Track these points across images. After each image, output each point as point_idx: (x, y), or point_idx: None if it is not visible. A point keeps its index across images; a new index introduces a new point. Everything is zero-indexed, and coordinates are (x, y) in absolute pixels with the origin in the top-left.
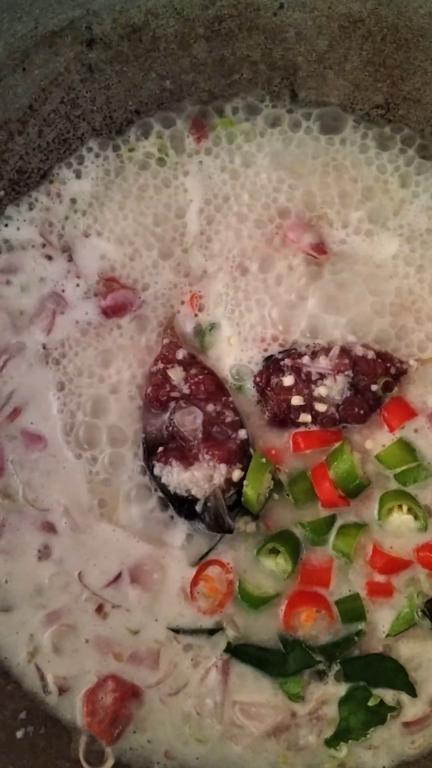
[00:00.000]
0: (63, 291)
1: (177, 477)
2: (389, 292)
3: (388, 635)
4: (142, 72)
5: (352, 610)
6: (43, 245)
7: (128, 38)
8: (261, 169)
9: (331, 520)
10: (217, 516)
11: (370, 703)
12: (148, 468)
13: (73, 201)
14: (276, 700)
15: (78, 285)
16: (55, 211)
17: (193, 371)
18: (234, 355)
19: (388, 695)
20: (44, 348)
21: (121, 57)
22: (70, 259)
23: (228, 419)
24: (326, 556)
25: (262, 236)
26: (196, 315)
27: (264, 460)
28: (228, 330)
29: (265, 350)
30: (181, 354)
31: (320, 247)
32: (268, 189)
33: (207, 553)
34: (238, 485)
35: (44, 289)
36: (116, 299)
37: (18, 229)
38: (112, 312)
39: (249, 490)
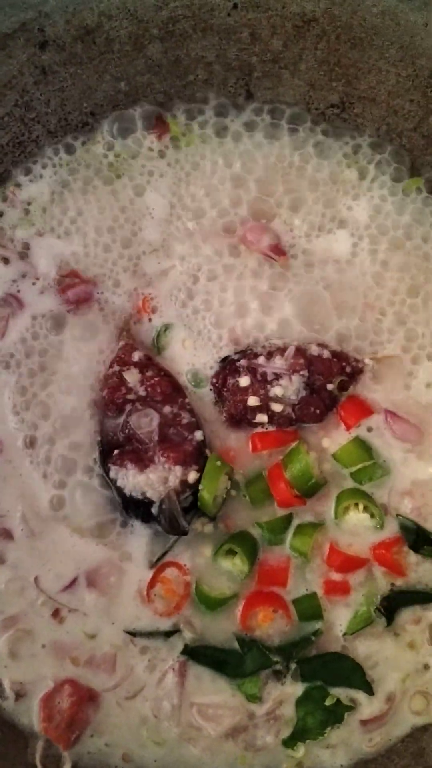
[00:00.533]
0: (18, 292)
1: (132, 480)
2: (347, 290)
3: (345, 634)
4: (96, 74)
5: (310, 609)
6: None
7: (82, 40)
8: (217, 170)
9: (288, 519)
10: (171, 518)
11: (327, 703)
12: (104, 471)
13: (29, 203)
14: (233, 701)
15: (34, 284)
16: (9, 214)
17: (149, 373)
18: (188, 358)
19: (345, 694)
20: None
21: (74, 59)
22: (23, 258)
23: (184, 421)
24: (283, 556)
25: (219, 237)
26: (150, 320)
27: (219, 462)
28: (182, 332)
29: (220, 352)
30: (136, 356)
31: (278, 249)
32: (224, 191)
33: (163, 555)
34: (194, 487)
35: None
36: (78, 294)
37: None
38: (75, 306)
39: (205, 494)
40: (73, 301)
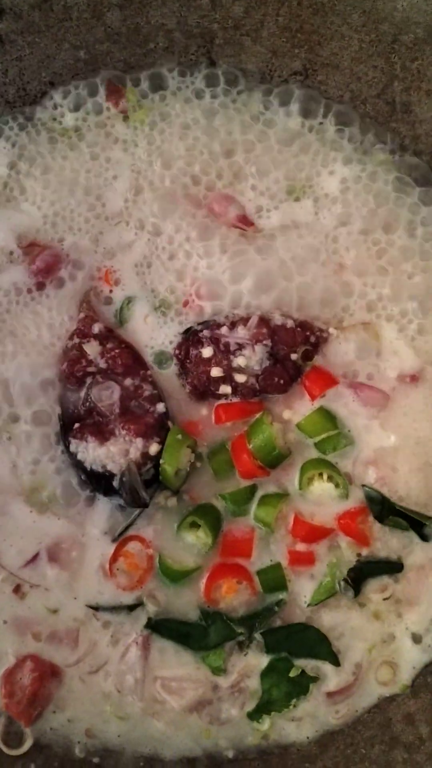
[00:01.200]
0: None
1: (93, 453)
2: (310, 259)
3: (309, 604)
4: (54, 42)
5: (274, 579)
6: None
7: (39, 8)
8: (178, 140)
9: (252, 490)
10: (132, 490)
11: (292, 674)
12: (65, 445)
13: None
14: (198, 674)
15: None
16: None
17: (109, 345)
18: (149, 333)
19: (310, 666)
20: None
21: (32, 27)
22: None
23: (146, 393)
24: (247, 527)
25: (184, 208)
26: (111, 290)
27: (180, 436)
28: (144, 308)
29: (182, 326)
30: (96, 328)
31: (245, 219)
32: (186, 161)
33: (126, 529)
34: (156, 459)
35: None
36: (45, 260)
37: None
38: (45, 274)
39: (166, 467)
40: (42, 270)
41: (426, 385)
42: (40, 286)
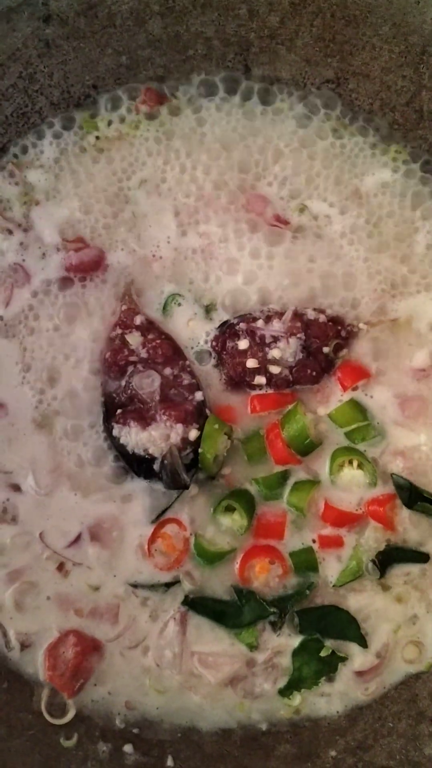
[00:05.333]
0: (24, 261)
1: (135, 437)
2: (342, 261)
3: (334, 585)
4: (98, 48)
5: (305, 561)
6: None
7: (84, 14)
8: (217, 144)
9: (284, 475)
10: (173, 472)
11: (323, 654)
12: (107, 430)
13: (30, 174)
14: (232, 650)
15: (40, 248)
16: (9, 186)
17: (150, 336)
18: (192, 336)
19: (339, 646)
20: (2, 320)
21: (77, 33)
22: (27, 230)
23: (185, 382)
24: (280, 510)
25: (223, 209)
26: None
27: (217, 425)
28: (189, 310)
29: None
30: (138, 320)
31: (280, 218)
32: (224, 164)
33: (164, 512)
34: (195, 444)
35: (3, 262)
36: (82, 258)
37: None
38: (78, 271)
39: (206, 454)
40: (80, 267)
41: None
42: (82, 280)
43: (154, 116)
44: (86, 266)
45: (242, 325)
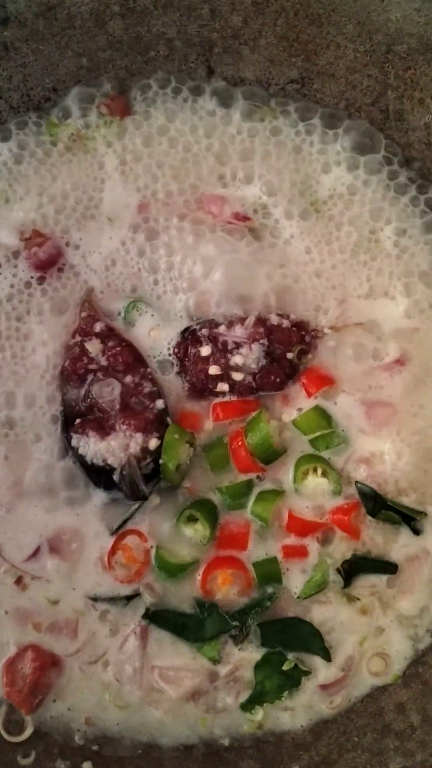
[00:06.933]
0: None
1: (94, 447)
2: (305, 264)
3: (299, 597)
4: (58, 50)
5: (269, 572)
6: None
7: (43, 16)
8: (176, 144)
9: (249, 484)
10: (132, 483)
11: (285, 668)
12: (66, 440)
13: None
14: (194, 664)
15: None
16: None
17: (110, 343)
18: (154, 345)
19: (302, 659)
20: None
21: (36, 35)
22: None
23: (146, 390)
24: (243, 520)
25: (181, 210)
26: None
27: (177, 435)
28: (151, 319)
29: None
30: (98, 327)
31: (240, 216)
32: (183, 164)
33: (124, 523)
34: (155, 454)
35: None
36: (48, 251)
37: None
38: (46, 268)
39: (168, 464)
40: (43, 262)
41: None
42: (41, 280)
43: (114, 120)
44: (51, 259)
45: (204, 331)
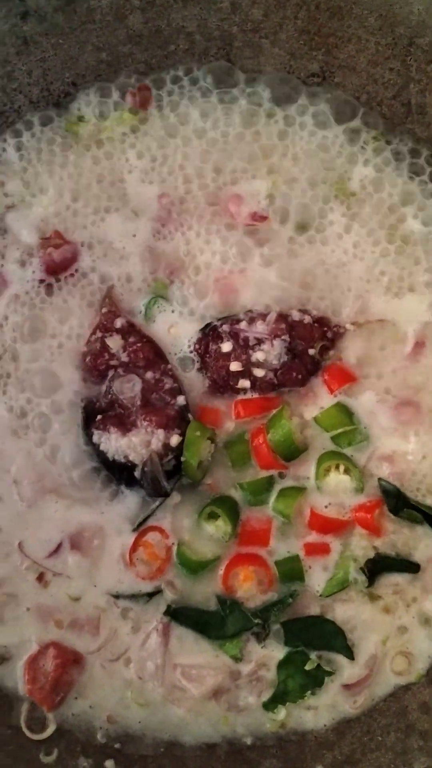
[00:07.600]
0: (2, 266)
1: (115, 443)
2: (327, 261)
3: (322, 595)
4: (78, 44)
5: (291, 570)
6: None
7: (63, 10)
8: (197, 140)
9: (270, 480)
10: (153, 480)
11: (308, 667)
12: (87, 436)
13: (7, 173)
14: (216, 662)
15: (18, 249)
16: None
17: (131, 339)
18: (174, 342)
19: (326, 658)
20: None
21: (56, 29)
22: (3, 233)
23: (167, 386)
24: (265, 516)
25: (203, 210)
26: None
27: (199, 431)
28: (171, 316)
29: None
30: (119, 323)
31: (257, 215)
32: (204, 161)
33: (146, 519)
34: (177, 450)
35: None
36: (63, 254)
37: None
38: (60, 270)
39: (190, 461)
40: (57, 265)
41: None
42: (58, 280)
43: (136, 113)
44: (65, 262)
45: (225, 327)
